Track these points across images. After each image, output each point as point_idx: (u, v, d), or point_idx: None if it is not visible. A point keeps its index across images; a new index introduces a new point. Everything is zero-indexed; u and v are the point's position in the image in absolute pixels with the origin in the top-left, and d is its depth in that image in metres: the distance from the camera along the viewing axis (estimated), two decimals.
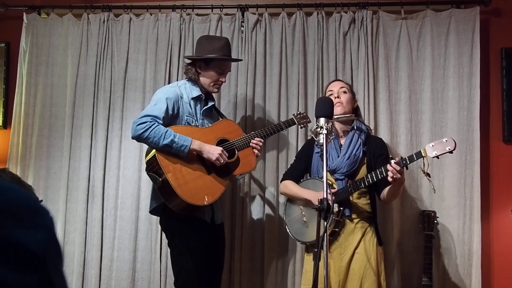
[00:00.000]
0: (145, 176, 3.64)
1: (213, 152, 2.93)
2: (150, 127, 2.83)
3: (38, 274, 0.73)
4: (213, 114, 3.29)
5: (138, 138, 2.87)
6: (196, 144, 2.92)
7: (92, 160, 3.78)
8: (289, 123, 3.36)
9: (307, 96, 3.69)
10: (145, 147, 3.49)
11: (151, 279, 3.63)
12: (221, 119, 3.28)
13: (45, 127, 3.85)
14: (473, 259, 3.48)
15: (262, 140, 3.19)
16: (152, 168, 2.91)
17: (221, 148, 2.97)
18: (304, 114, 3.43)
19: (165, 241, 3.53)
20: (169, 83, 3.67)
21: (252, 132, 3.24)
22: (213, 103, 3.24)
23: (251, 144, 3.15)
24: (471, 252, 3.48)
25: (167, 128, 2.88)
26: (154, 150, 2.89)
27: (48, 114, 3.86)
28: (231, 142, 3.10)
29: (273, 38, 3.75)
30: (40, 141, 3.83)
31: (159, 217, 3.24)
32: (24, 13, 3.94)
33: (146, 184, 3.66)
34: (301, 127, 3.49)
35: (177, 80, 3.61)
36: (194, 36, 3.75)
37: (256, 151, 3.15)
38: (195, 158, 2.96)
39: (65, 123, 3.83)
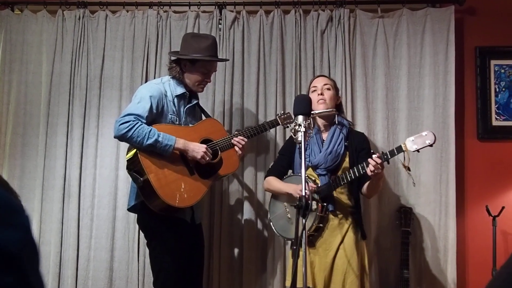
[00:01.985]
0: (122, 175, 3.66)
1: (198, 150, 2.91)
2: (134, 126, 2.79)
3: (15, 274, 0.72)
4: (196, 112, 3.27)
5: (121, 137, 2.84)
6: (180, 143, 2.90)
7: (68, 159, 3.73)
8: (273, 123, 3.33)
9: (285, 94, 3.71)
10: (123, 145, 3.55)
11: (129, 278, 3.62)
12: (204, 117, 3.26)
13: (20, 125, 3.80)
14: (448, 254, 3.54)
15: (245, 139, 3.15)
16: (134, 167, 2.89)
17: (205, 146, 2.95)
18: (288, 114, 3.38)
19: (142, 240, 3.52)
20: (146, 81, 3.65)
21: (236, 132, 3.24)
22: (196, 101, 3.22)
23: (233, 141, 3.11)
24: (447, 248, 3.55)
25: (151, 127, 2.85)
26: (135, 149, 2.88)
27: (22, 112, 3.81)
28: (214, 142, 3.08)
29: (251, 36, 3.76)
30: (14, 140, 3.79)
31: (136, 215, 3.22)
32: None
33: (123, 183, 3.65)
34: (284, 127, 3.49)
35: (154, 78, 3.60)
36: (172, 34, 3.75)
37: (237, 149, 3.11)
38: (178, 158, 2.94)
39: (40, 121, 3.79)
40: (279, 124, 3.35)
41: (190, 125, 3.12)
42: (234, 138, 3.12)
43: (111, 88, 3.78)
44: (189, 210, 3.04)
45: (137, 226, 3.53)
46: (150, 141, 2.80)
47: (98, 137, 3.75)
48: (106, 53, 3.80)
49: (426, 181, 3.60)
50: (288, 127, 3.41)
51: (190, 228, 3.07)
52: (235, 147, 3.12)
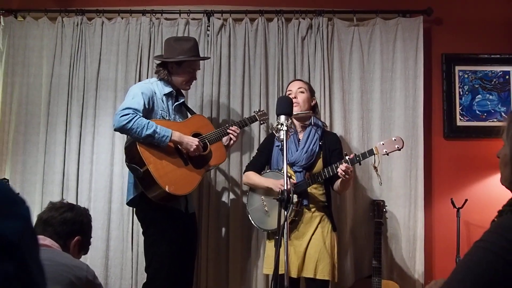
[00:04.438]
0: (117, 170, 3.76)
1: (192, 143, 3.06)
2: (133, 118, 2.92)
3: (15, 262, 0.71)
4: (182, 110, 3.40)
5: (122, 129, 2.95)
6: (176, 136, 3.03)
7: (67, 155, 3.82)
8: (252, 119, 3.52)
9: (268, 95, 3.84)
10: (118, 142, 3.77)
11: (123, 266, 3.71)
12: (190, 115, 3.39)
13: (21, 124, 3.88)
14: (417, 243, 3.70)
15: (239, 129, 3.35)
16: (133, 159, 3.00)
17: (198, 139, 3.10)
18: (264, 111, 3.61)
19: (136, 230, 3.66)
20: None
21: (227, 125, 3.40)
22: (183, 99, 3.36)
23: (228, 130, 3.29)
24: (416, 237, 3.70)
25: (148, 120, 2.99)
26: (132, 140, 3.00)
27: (24, 111, 3.90)
28: (204, 136, 3.22)
29: (236, 41, 3.87)
30: (17, 138, 3.87)
31: (134, 208, 3.33)
32: (1, 16, 3.97)
33: (118, 178, 3.76)
34: (261, 123, 3.66)
35: None
36: (163, 39, 3.71)
37: (232, 137, 3.29)
38: (173, 151, 3.08)
39: (40, 120, 3.87)
40: (257, 120, 3.55)
41: (179, 121, 3.26)
42: (230, 128, 3.31)
43: (107, 89, 3.86)
44: (183, 200, 3.18)
45: (130, 218, 3.68)
46: (148, 132, 2.92)
47: (94, 135, 3.82)
48: (102, 57, 3.89)
49: (397, 176, 3.75)
50: (263, 123, 3.63)
51: (185, 217, 3.19)
52: (230, 134, 3.30)
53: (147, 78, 3.76)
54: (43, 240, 1.95)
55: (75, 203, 3.66)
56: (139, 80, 3.79)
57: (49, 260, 1.76)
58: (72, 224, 2.07)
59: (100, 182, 3.80)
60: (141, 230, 3.27)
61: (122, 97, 3.71)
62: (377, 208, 3.60)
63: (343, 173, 2.90)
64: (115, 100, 3.86)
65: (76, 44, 3.92)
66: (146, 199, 3.02)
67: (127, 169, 3.38)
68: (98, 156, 3.83)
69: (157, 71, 3.26)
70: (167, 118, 3.18)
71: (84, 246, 2.16)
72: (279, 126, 2.28)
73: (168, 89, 3.22)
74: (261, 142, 3.69)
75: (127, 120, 2.92)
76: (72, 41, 3.92)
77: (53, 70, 3.91)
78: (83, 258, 3.28)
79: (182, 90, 3.40)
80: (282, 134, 2.25)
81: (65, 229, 2.06)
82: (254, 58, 3.89)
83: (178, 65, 3.22)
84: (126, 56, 3.90)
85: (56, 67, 3.92)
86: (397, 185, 3.76)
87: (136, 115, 2.94)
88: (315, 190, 3.17)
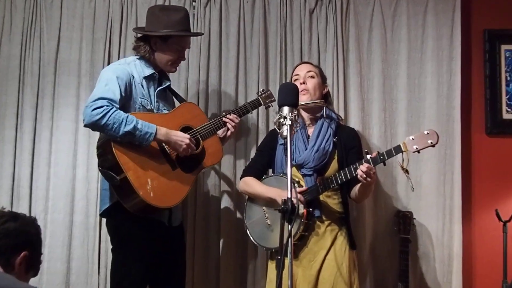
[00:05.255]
0: (80, 174, 3.56)
1: (181, 141, 2.84)
2: (108, 112, 2.68)
3: None
4: (168, 96, 3.21)
5: (94, 125, 2.72)
6: (162, 132, 2.80)
7: (17, 156, 3.61)
8: (255, 104, 3.30)
9: (268, 82, 3.63)
10: (81, 140, 3.56)
11: None
12: (178, 102, 3.21)
13: None
14: (453, 264, 3.51)
15: (239, 118, 3.16)
16: (107, 164, 2.79)
17: (188, 136, 2.89)
18: (269, 92, 3.37)
19: (104, 249, 3.47)
20: (108, 65, 3.49)
21: (218, 118, 3.17)
22: (168, 83, 3.15)
23: (225, 119, 3.11)
24: (451, 257, 3.52)
25: (127, 113, 2.77)
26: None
27: None
28: (195, 130, 3.03)
29: (229, 15, 3.67)
30: None
31: (105, 219, 3.13)
32: None
33: (82, 183, 3.56)
34: (266, 108, 3.46)
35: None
36: (138, 12, 3.60)
37: (230, 126, 3.11)
38: (157, 152, 2.87)
39: None
40: (261, 104, 3.33)
41: (164, 110, 3.03)
42: (227, 116, 3.12)
43: (68, 74, 3.64)
44: (167, 211, 2.99)
45: (97, 233, 3.50)
46: (128, 128, 2.69)
47: (52, 130, 3.61)
48: (62, 34, 3.67)
49: (428, 182, 3.56)
50: (269, 106, 3.42)
51: (167, 232, 2.99)
52: (227, 124, 3.11)
53: (118, 59, 3.54)
54: None
55: (27, 214, 3.32)
56: (108, 63, 3.57)
57: None
58: (16, 236, 1.93)
59: (60, 189, 3.58)
60: (110, 247, 3.06)
61: (87, 83, 3.61)
62: (403, 221, 3.40)
63: (364, 175, 2.68)
64: (78, 87, 3.64)
65: (29, 17, 3.68)
66: (121, 209, 2.82)
67: (93, 173, 3.44)
68: (57, 156, 3.61)
69: (136, 46, 3.04)
70: (149, 107, 2.96)
71: (33, 264, 2.01)
72: (282, 120, 2.14)
73: (149, 71, 3.00)
74: (261, 136, 3.54)
75: (101, 114, 2.67)
76: (24, 14, 3.69)
77: (1, 50, 3.69)
78: (37, 284, 3.15)
79: (166, 72, 3.20)
80: (286, 130, 2.13)
81: (8, 243, 1.91)
82: (251, 36, 3.69)
83: (163, 40, 2.98)
84: (92, 33, 3.68)
85: (4, 46, 3.69)
86: (428, 192, 3.56)
87: (112, 108, 2.72)
88: (329, 198, 2.97)
